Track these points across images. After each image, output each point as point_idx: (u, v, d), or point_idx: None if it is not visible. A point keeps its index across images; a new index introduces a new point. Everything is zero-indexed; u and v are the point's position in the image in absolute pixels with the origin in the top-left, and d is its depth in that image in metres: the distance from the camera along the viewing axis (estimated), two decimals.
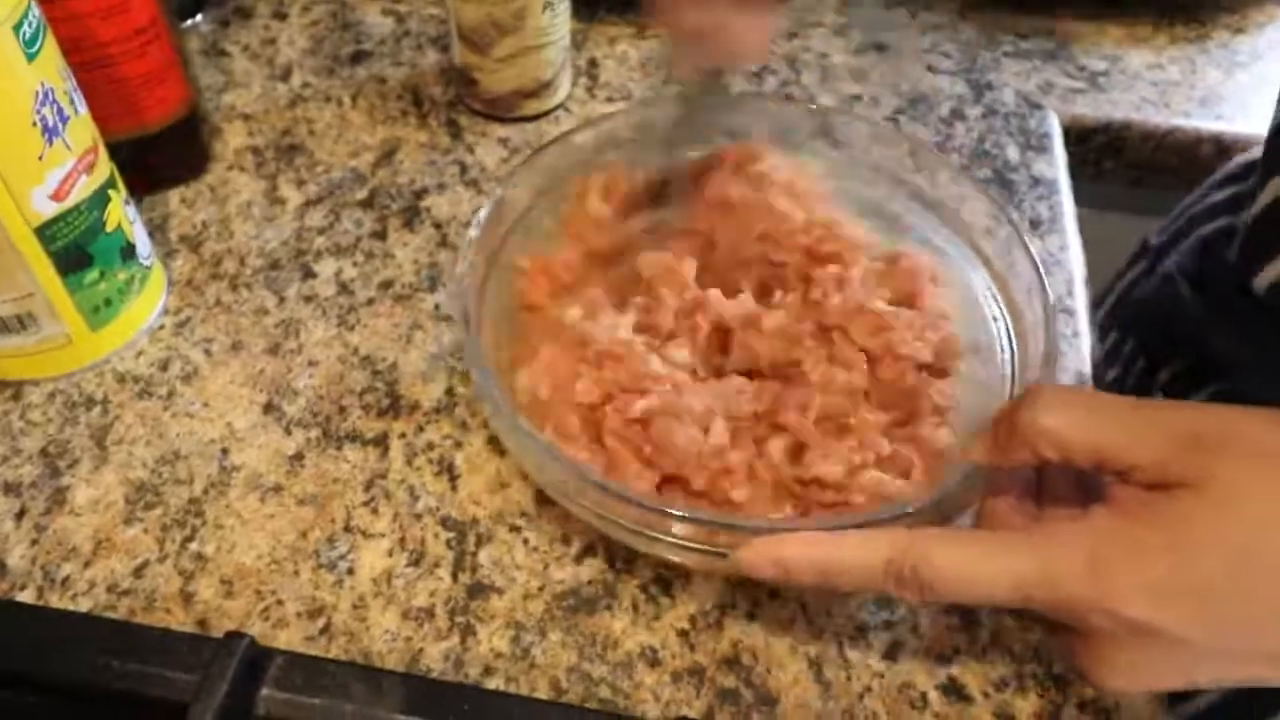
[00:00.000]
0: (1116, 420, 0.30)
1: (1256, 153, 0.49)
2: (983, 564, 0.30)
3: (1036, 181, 0.58)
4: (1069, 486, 0.34)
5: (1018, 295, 0.44)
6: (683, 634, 0.39)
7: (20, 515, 0.42)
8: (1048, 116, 0.62)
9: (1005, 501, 0.34)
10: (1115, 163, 0.65)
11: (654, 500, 0.37)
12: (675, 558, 0.38)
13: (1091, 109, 0.63)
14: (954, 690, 0.38)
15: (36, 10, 0.39)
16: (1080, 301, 0.52)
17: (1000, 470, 0.34)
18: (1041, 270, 0.42)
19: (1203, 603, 0.28)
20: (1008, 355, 0.43)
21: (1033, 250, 0.43)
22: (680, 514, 0.35)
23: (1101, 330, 0.60)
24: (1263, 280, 0.45)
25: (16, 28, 0.37)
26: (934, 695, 0.38)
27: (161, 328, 0.49)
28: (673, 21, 0.37)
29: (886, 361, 0.41)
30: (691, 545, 0.36)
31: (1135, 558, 0.28)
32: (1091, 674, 0.31)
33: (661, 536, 0.36)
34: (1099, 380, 0.49)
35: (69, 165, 0.41)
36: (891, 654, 0.39)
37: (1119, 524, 0.29)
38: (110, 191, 0.45)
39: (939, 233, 0.48)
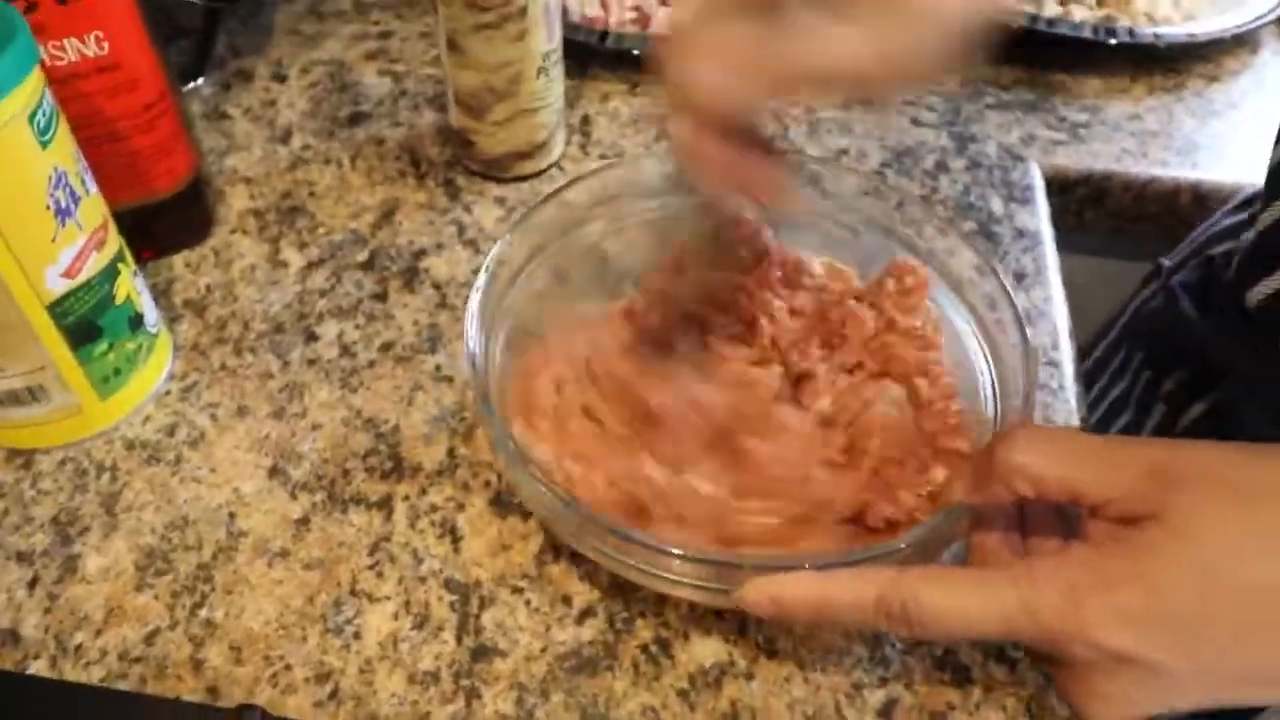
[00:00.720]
0: (1086, 458, 0.32)
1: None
2: (968, 601, 0.32)
3: (1020, 234, 0.59)
4: (1050, 519, 0.35)
5: (1001, 346, 0.45)
6: (682, 694, 0.40)
7: (33, 584, 0.43)
8: (1030, 168, 0.64)
9: (991, 536, 0.36)
10: (1097, 212, 0.66)
11: (660, 542, 0.38)
12: (684, 595, 0.40)
13: (1073, 160, 0.65)
14: None
15: (50, 99, 0.41)
16: (1065, 354, 0.53)
17: (982, 507, 0.36)
18: (1023, 320, 0.44)
19: (1174, 628, 0.30)
20: (992, 404, 0.45)
21: (1015, 301, 0.44)
22: (683, 553, 0.37)
23: (1112, 346, 0.62)
24: (1255, 295, 0.47)
25: (31, 117, 0.39)
26: None
27: (168, 393, 0.50)
28: (701, 152, 0.36)
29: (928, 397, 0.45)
30: (699, 585, 0.38)
31: (1106, 587, 0.30)
32: (1078, 705, 0.33)
33: (667, 575, 0.38)
34: (1104, 395, 0.51)
35: (80, 243, 0.43)
36: (886, 711, 0.40)
37: (1092, 558, 0.31)
38: (119, 265, 0.46)
39: (930, 283, 0.49)
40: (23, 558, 0.44)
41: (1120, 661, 0.30)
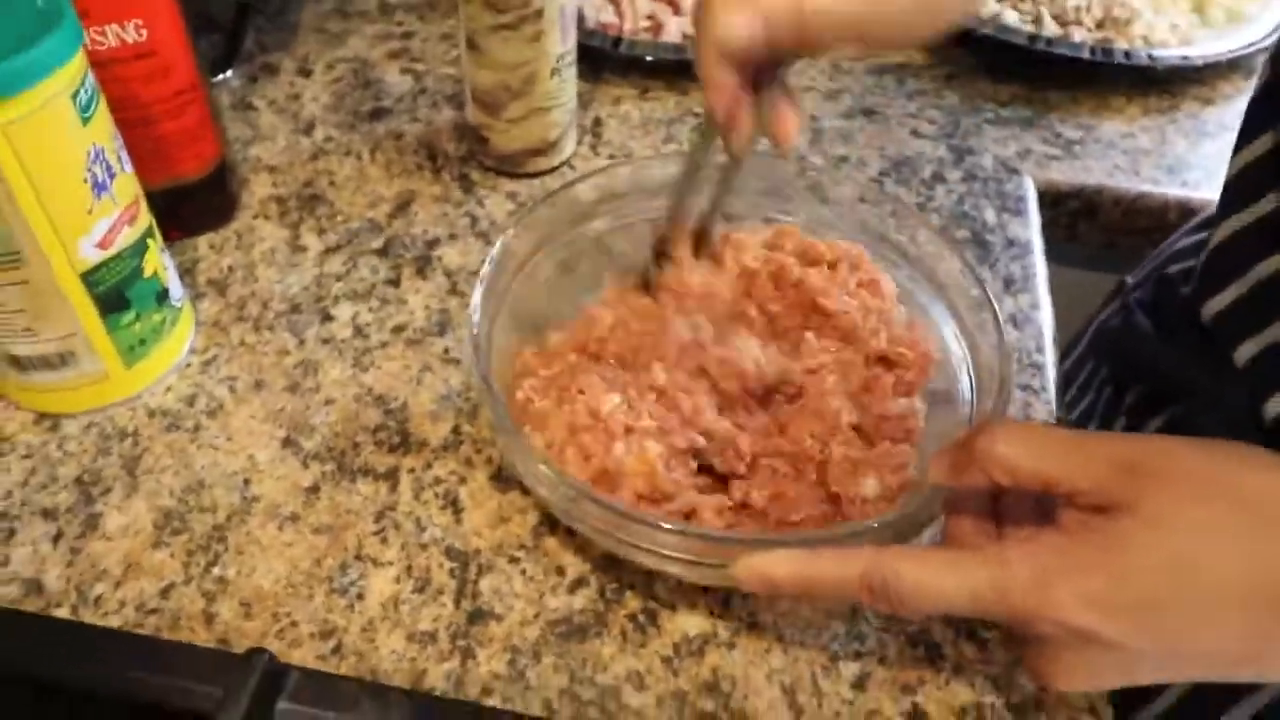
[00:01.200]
0: (1061, 449, 0.34)
1: None
2: (944, 579, 0.34)
3: (1011, 243, 0.62)
4: (1024, 507, 0.37)
5: (982, 346, 0.47)
6: (666, 660, 0.42)
7: (57, 539, 0.46)
8: (1024, 181, 0.66)
9: (966, 521, 0.38)
10: (1088, 225, 0.69)
11: (644, 515, 0.41)
12: (672, 570, 0.42)
13: (1066, 175, 0.67)
14: (918, 717, 0.41)
15: (92, 78, 0.43)
16: (1048, 357, 0.55)
17: (958, 491, 0.38)
18: (1001, 324, 0.46)
19: (1139, 610, 0.32)
20: (970, 403, 0.47)
21: (996, 307, 0.47)
22: (672, 528, 0.39)
23: (1079, 360, 0.64)
24: (1209, 309, 0.49)
25: (74, 95, 0.42)
26: None
27: (189, 366, 0.53)
28: (715, 80, 0.40)
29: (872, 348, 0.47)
30: (687, 559, 0.40)
31: (1076, 572, 0.32)
32: (1042, 676, 0.35)
33: (657, 550, 0.40)
34: (1073, 406, 0.53)
35: (114, 217, 0.45)
36: (860, 683, 0.42)
37: (1063, 542, 0.33)
38: (149, 240, 0.48)
39: (918, 287, 0.51)
40: (48, 514, 0.47)
41: (1084, 639, 0.32)
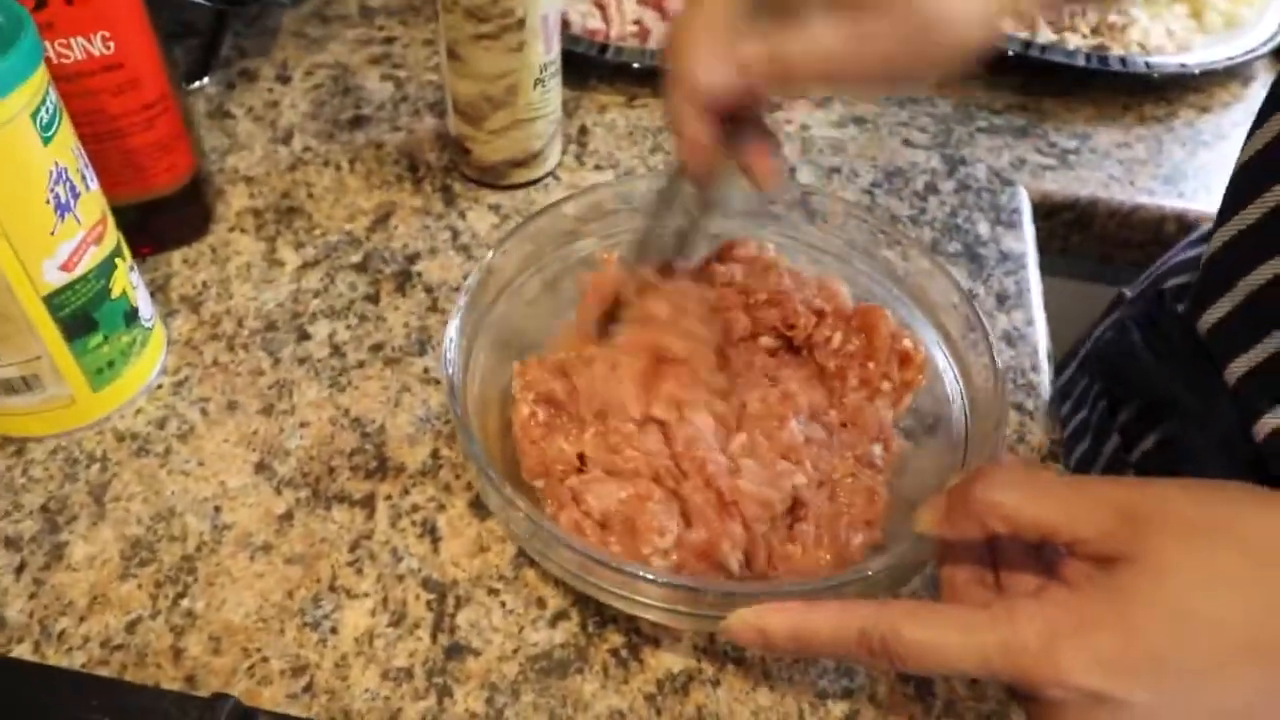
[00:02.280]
0: (1060, 498, 0.33)
1: None
2: (949, 639, 0.33)
3: (1005, 257, 0.60)
4: (1022, 555, 0.36)
5: (975, 372, 0.46)
6: (650, 698, 0.41)
7: (20, 569, 0.44)
8: (1018, 193, 0.65)
9: (962, 571, 0.37)
10: (1083, 237, 0.67)
11: (629, 564, 0.39)
12: (653, 618, 0.40)
13: (1060, 185, 0.66)
14: None
15: (54, 95, 0.42)
16: (1044, 376, 0.54)
17: (954, 541, 0.37)
18: (994, 347, 0.44)
19: (1148, 667, 0.30)
20: (962, 430, 0.45)
21: (988, 328, 0.45)
22: (655, 578, 0.38)
23: (1073, 376, 0.63)
24: (1205, 322, 0.48)
25: (34, 114, 0.40)
26: None
27: (160, 387, 0.51)
28: (687, 133, 0.38)
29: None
30: (670, 609, 0.39)
31: (1085, 633, 0.31)
32: None
33: (638, 598, 0.39)
34: (1066, 422, 0.51)
35: (79, 238, 0.44)
36: None
37: (1069, 600, 0.32)
38: (117, 260, 0.47)
39: (907, 308, 0.50)
40: (10, 543, 0.45)
41: (1095, 700, 0.31)
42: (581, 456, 0.44)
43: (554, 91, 0.60)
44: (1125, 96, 0.72)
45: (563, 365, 0.46)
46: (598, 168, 0.65)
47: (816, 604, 0.35)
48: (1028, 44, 0.71)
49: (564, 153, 0.65)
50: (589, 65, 0.70)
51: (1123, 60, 0.70)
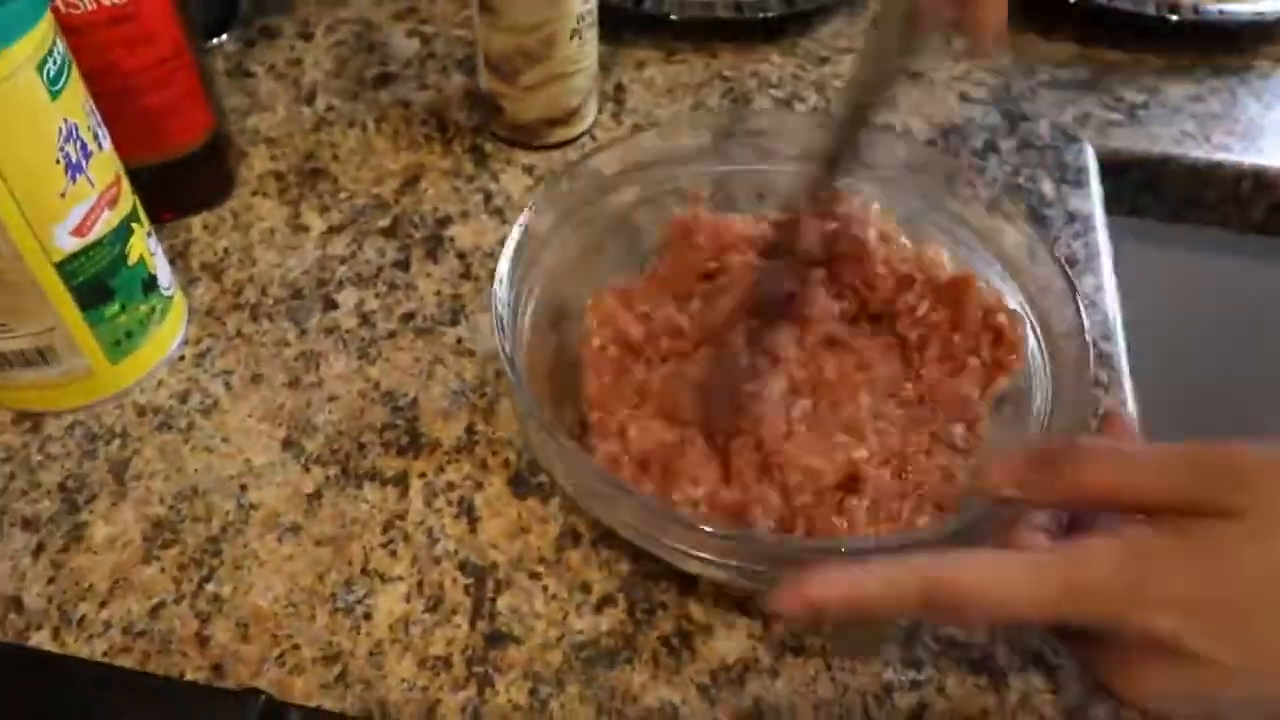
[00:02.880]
0: (1157, 468, 0.30)
1: None
2: (1015, 582, 0.30)
3: (1072, 218, 0.57)
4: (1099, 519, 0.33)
5: (1058, 336, 0.42)
6: (703, 689, 0.39)
7: (38, 551, 0.42)
8: (1084, 149, 0.61)
9: (1031, 533, 0.34)
10: (1153, 198, 0.63)
11: (685, 515, 0.38)
12: (710, 574, 0.38)
13: (1129, 142, 0.62)
14: None
15: (61, 46, 0.39)
16: (1120, 344, 0.51)
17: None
18: (1083, 313, 0.41)
19: (1233, 622, 0.28)
20: (1046, 401, 0.42)
21: (1077, 288, 0.42)
22: (714, 530, 0.36)
23: None
24: None
25: (40, 66, 0.37)
26: None
27: (182, 358, 0.49)
28: None
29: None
30: (725, 563, 0.36)
31: (1168, 571, 0.28)
32: (1118, 688, 0.31)
33: (696, 554, 0.36)
34: None
35: (91, 201, 0.41)
36: (917, 715, 0.38)
37: (1153, 538, 0.29)
38: (133, 225, 0.44)
39: (981, 259, 0.46)
40: (28, 524, 0.43)
41: (1169, 649, 0.29)
42: (643, 394, 0.43)
43: (591, 44, 0.56)
44: (1196, 48, 0.68)
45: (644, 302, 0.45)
46: (636, 126, 0.62)
47: (867, 564, 0.32)
48: None
49: (600, 111, 0.62)
50: (624, 18, 0.66)
51: (1195, 9, 0.65)
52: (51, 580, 0.41)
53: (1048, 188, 0.58)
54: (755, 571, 0.36)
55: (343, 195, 0.57)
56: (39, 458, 0.45)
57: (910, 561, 0.31)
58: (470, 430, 0.46)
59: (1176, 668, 0.29)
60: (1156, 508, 0.30)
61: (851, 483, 0.40)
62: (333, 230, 0.55)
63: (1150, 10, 0.65)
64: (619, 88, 0.64)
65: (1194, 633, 0.28)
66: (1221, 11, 0.65)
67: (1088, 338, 0.40)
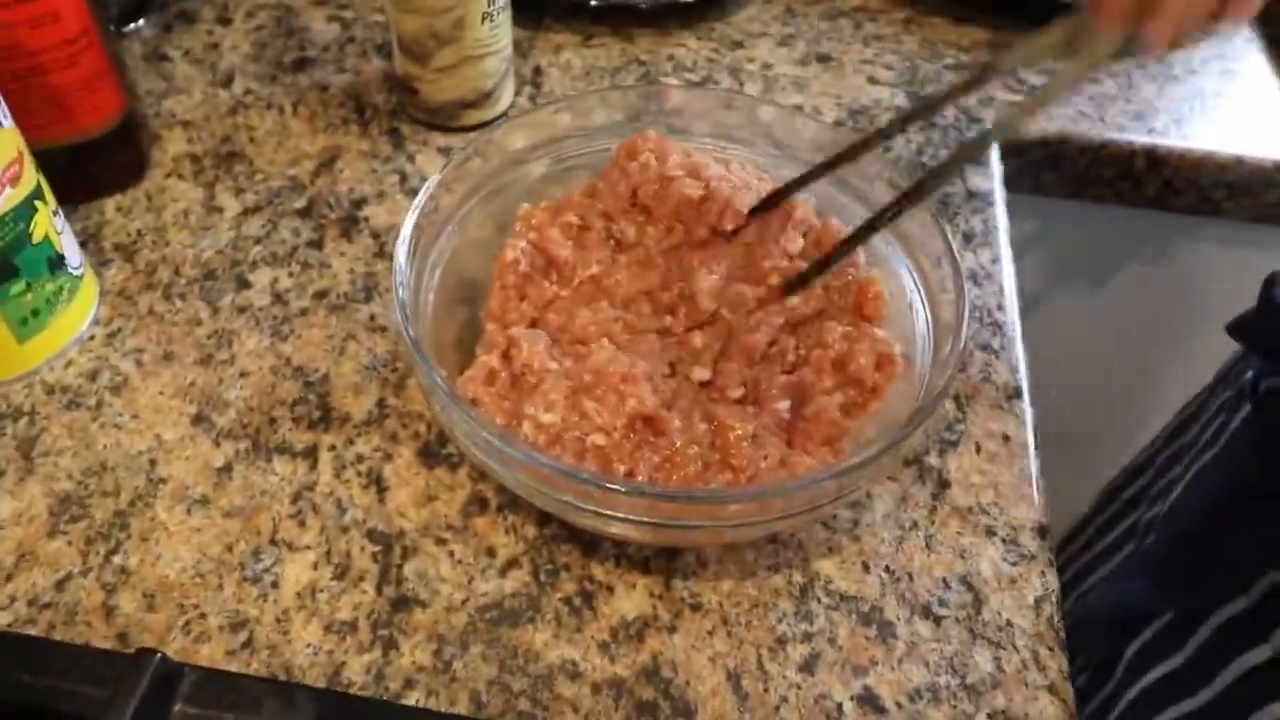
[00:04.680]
0: None
1: None
2: None
3: (972, 195, 0.59)
4: None
5: (942, 306, 0.44)
6: (603, 646, 0.40)
7: None
8: (986, 130, 0.63)
9: None
10: (1053, 176, 0.66)
11: (588, 473, 0.38)
12: (619, 530, 0.40)
13: (1029, 123, 0.64)
14: (869, 700, 0.39)
15: None
16: (1011, 313, 0.53)
17: None
18: (961, 274, 0.43)
19: None
20: (927, 354, 0.44)
21: (956, 253, 0.44)
22: (620, 488, 0.37)
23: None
24: None
25: None
26: (849, 705, 0.39)
27: (92, 338, 0.49)
28: None
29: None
30: (635, 519, 0.38)
31: None
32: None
33: (606, 512, 0.38)
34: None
35: None
36: (809, 666, 0.40)
37: None
38: (37, 203, 0.44)
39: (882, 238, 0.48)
40: None
41: None
42: (546, 309, 0.46)
43: (504, 27, 0.57)
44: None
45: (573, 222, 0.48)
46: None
47: None
48: None
49: (517, 94, 0.63)
50: (543, 4, 0.67)
51: None
52: None
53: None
54: (661, 525, 0.38)
55: (259, 177, 0.57)
56: None
57: None
58: (381, 404, 0.47)
59: None
60: None
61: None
62: (248, 212, 0.55)
63: None
64: (537, 71, 0.65)
65: None
66: None
67: (965, 320, 0.42)
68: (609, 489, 0.37)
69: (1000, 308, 0.53)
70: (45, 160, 0.46)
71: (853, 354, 0.43)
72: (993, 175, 0.60)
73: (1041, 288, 0.68)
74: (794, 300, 0.45)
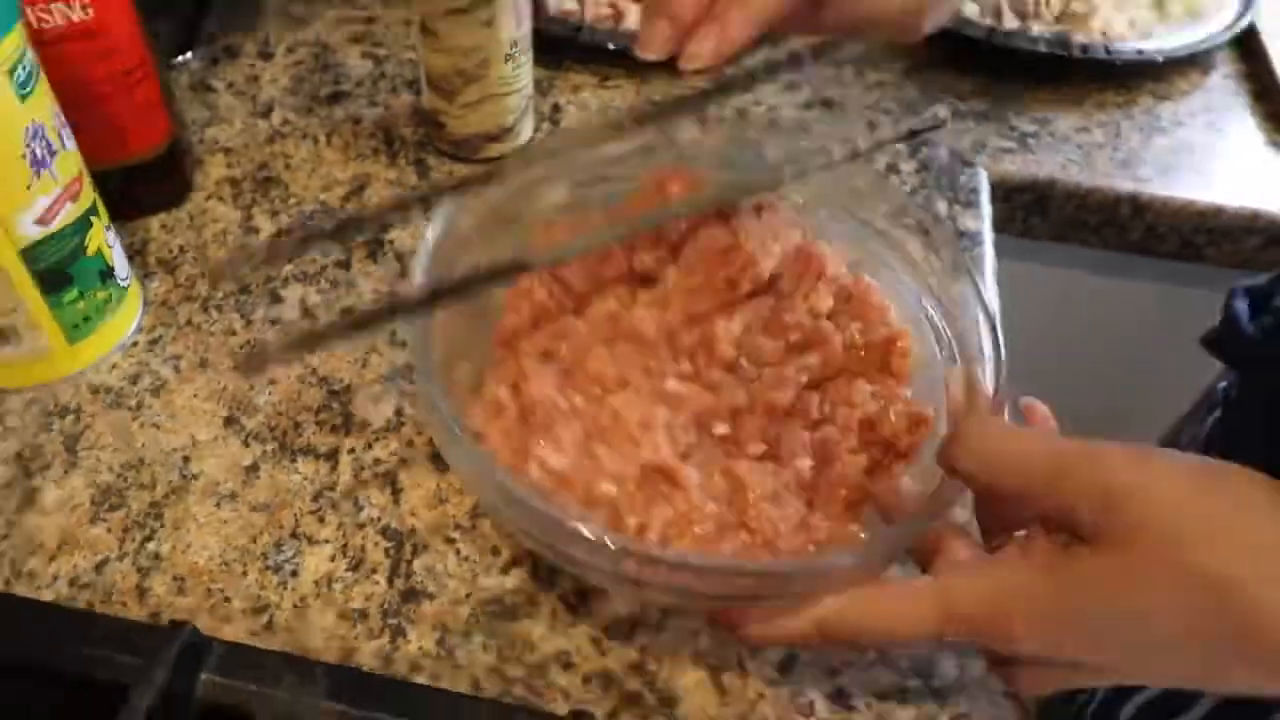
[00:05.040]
0: (1032, 466, 0.33)
1: None
2: (898, 618, 0.34)
3: (961, 234, 0.62)
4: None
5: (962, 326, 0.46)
6: (595, 641, 0.43)
7: None
8: (978, 174, 0.66)
9: (951, 535, 0.37)
10: (1040, 220, 0.69)
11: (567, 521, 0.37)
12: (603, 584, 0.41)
13: (1019, 167, 0.68)
14: (840, 699, 0.42)
15: (31, 56, 0.43)
16: (987, 355, 0.55)
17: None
18: (996, 325, 0.44)
19: (1093, 644, 0.32)
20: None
21: (984, 294, 0.45)
22: (604, 540, 0.35)
23: None
24: None
25: (11, 71, 0.42)
26: (821, 703, 0.42)
27: (135, 344, 0.53)
28: None
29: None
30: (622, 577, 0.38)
31: (1033, 621, 0.32)
32: (1015, 688, 0.36)
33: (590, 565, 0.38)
34: None
35: (55, 194, 0.45)
36: (786, 666, 0.43)
37: (1021, 578, 0.33)
38: (92, 218, 0.49)
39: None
40: None
41: (1038, 658, 0.33)
42: (560, 339, 0.44)
43: (525, 68, 0.62)
44: (1086, 83, 0.74)
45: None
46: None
47: (782, 612, 0.36)
48: (992, 31, 0.72)
49: (536, 129, 0.67)
50: (564, 46, 0.72)
51: (1083, 47, 0.72)
52: (4, 537, 0.45)
53: (941, 206, 0.64)
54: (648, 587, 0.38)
55: (292, 201, 0.62)
56: (4, 441, 0.49)
57: (812, 609, 0.36)
58: (399, 412, 0.51)
59: (1049, 672, 0.34)
60: (1038, 511, 0.33)
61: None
62: (281, 233, 0.60)
63: (1042, 48, 0.72)
64: (555, 108, 0.69)
65: (1069, 650, 0.32)
66: (1108, 50, 0.72)
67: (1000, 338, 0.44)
68: (588, 540, 0.36)
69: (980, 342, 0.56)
70: (100, 181, 0.50)
71: (884, 415, 0.42)
72: (982, 216, 0.64)
73: (1026, 326, 0.71)
74: (812, 359, 0.44)
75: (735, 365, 0.44)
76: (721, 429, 0.42)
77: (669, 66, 0.43)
